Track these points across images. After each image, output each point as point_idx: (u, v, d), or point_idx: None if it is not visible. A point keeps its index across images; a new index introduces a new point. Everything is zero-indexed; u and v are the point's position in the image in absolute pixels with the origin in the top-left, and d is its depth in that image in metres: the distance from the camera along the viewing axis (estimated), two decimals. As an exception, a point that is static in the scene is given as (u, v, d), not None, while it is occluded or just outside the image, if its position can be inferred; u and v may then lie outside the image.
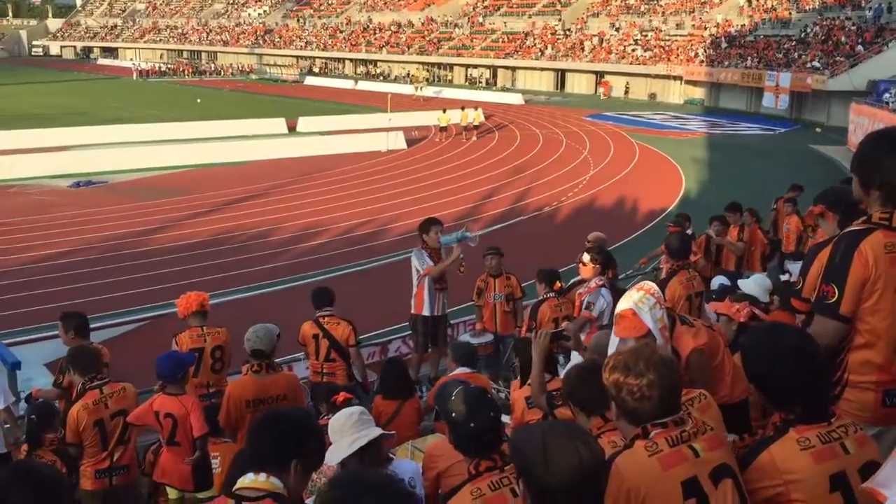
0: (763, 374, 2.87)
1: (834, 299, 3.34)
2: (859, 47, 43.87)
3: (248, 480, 2.83)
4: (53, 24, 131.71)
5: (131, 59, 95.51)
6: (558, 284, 8.13)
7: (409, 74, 73.46)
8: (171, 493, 6.05)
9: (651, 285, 4.12)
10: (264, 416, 3.03)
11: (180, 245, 18.53)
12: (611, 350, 3.83)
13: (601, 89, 62.93)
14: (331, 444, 3.80)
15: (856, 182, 3.47)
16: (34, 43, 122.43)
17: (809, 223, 4.85)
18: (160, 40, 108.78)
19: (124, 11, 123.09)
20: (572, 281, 8.55)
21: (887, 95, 32.58)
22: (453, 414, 3.40)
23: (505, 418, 5.62)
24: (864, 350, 3.37)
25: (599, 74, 63.57)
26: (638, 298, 3.98)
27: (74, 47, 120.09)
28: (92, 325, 6.84)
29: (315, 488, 3.96)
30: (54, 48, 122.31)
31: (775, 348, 2.86)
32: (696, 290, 7.29)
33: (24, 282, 15.59)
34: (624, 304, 4.03)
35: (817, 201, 4.48)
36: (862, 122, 31.37)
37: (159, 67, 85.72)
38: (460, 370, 6.47)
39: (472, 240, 8.94)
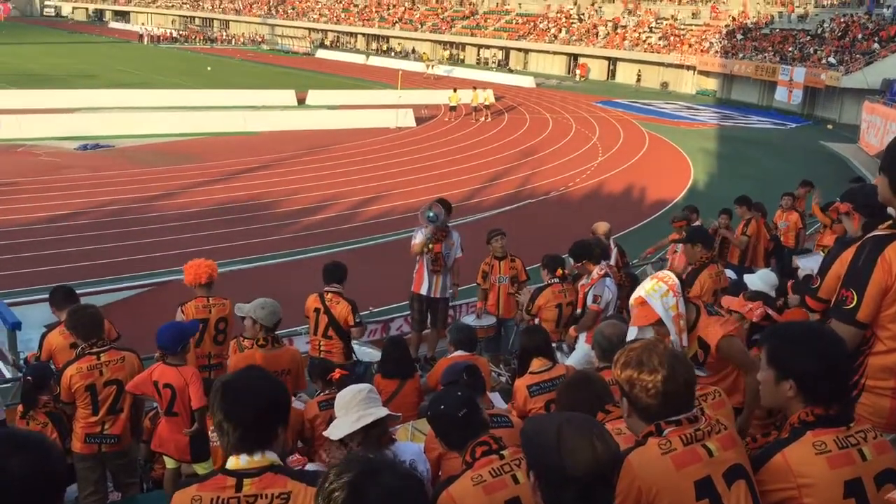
0: (810, 371, 2.68)
1: (852, 305, 3.26)
2: (876, 45, 43.48)
3: (243, 462, 2.78)
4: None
5: (142, 24, 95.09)
6: (560, 271, 8.08)
7: (413, 51, 73.31)
8: (169, 463, 6.03)
9: (666, 274, 4.05)
10: (241, 399, 2.78)
11: (185, 213, 18.47)
12: (629, 338, 3.81)
13: (578, 71, 62.48)
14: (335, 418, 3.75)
15: (884, 184, 3.32)
16: (46, 3, 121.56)
17: (833, 217, 4.74)
18: (172, 6, 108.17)
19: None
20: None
21: (902, 95, 32.18)
22: (429, 413, 3.40)
23: (500, 402, 5.61)
24: (885, 356, 3.30)
25: (611, 61, 63.21)
26: (650, 287, 3.95)
27: (86, 9, 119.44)
28: (93, 290, 6.83)
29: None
30: (66, 9, 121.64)
31: (822, 345, 2.72)
32: (721, 286, 7.21)
33: (28, 242, 15.53)
34: (636, 292, 3.99)
35: (844, 199, 4.37)
36: (875, 120, 31.06)
37: (171, 33, 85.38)
38: (458, 353, 6.42)
39: (426, 218, 9.02)
